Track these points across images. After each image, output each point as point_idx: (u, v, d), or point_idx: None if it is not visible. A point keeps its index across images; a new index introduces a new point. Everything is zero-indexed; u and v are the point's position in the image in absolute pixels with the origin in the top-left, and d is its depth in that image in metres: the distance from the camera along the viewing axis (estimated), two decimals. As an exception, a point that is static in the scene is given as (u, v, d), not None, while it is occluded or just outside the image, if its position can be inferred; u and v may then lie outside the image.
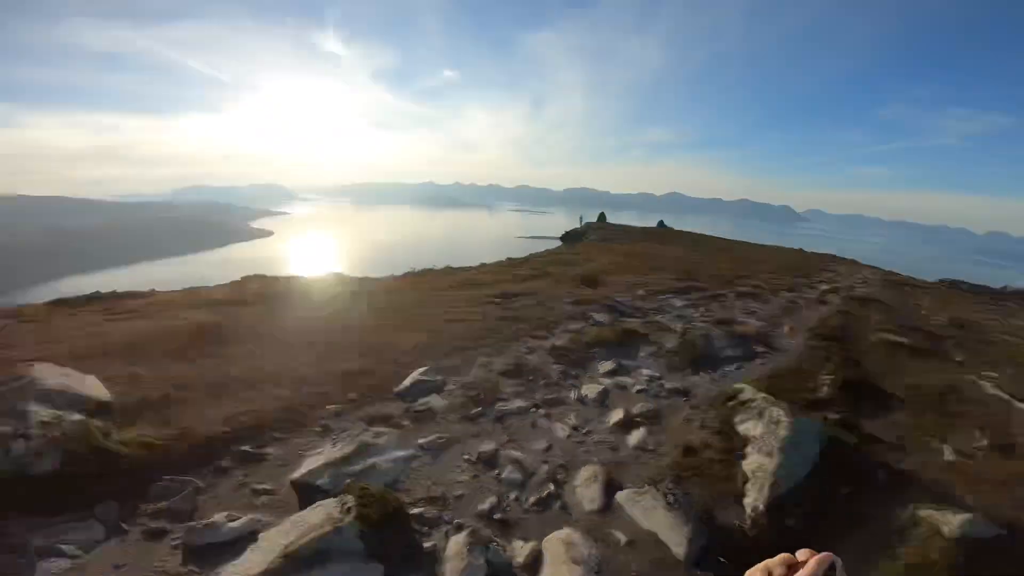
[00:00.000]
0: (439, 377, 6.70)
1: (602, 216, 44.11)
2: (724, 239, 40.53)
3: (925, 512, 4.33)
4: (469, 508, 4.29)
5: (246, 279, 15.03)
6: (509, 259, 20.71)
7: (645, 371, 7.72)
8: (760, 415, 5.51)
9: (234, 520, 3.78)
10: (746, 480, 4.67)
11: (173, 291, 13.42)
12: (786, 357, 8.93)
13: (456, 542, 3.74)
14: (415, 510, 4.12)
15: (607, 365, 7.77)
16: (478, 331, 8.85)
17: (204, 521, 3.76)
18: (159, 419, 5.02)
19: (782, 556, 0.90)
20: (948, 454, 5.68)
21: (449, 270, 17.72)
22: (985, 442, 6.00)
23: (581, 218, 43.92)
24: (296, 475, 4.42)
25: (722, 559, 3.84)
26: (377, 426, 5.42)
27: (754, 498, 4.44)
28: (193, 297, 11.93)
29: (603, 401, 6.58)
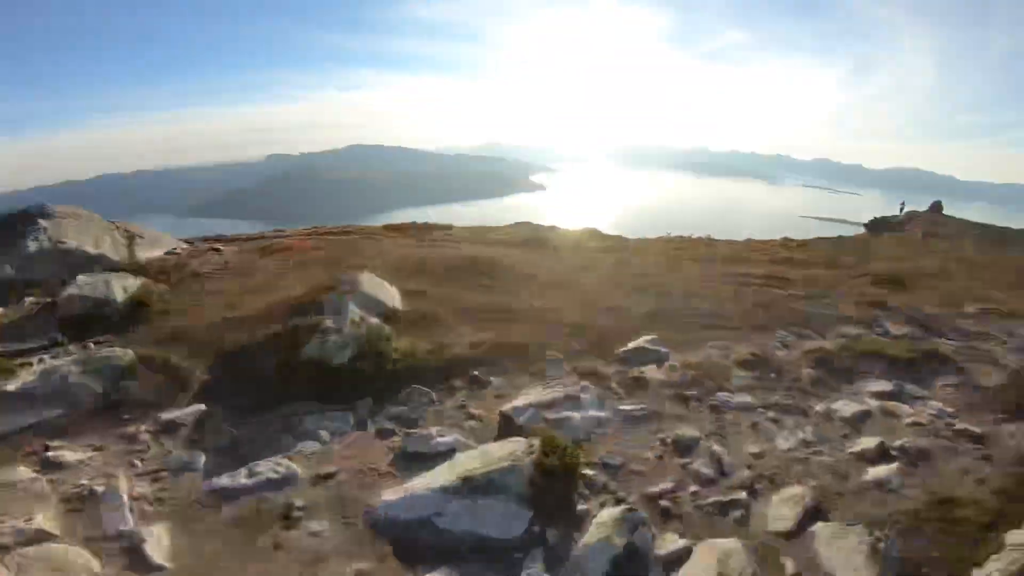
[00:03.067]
0: (664, 349, 6.60)
1: (937, 205, 33.50)
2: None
3: None
4: (640, 486, 4.24)
5: (519, 225, 17.35)
6: (785, 238, 18.00)
7: (935, 403, 5.98)
8: None
9: (443, 436, 4.59)
10: (999, 550, 3.47)
11: (466, 227, 16.55)
12: None
13: (608, 513, 3.72)
14: (588, 471, 4.25)
15: (881, 384, 6.32)
16: (724, 311, 8.26)
17: (422, 432, 4.63)
18: (427, 332, 6.35)
19: None
20: None
21: (709, 240, 16.57)
22: None
23: (902, 204, 34.24)
24: (504, 408, 5.04)
25: None
26: (587, 381, 5.69)
27: (989, 570, 3.34)
28: (478, 234, 14.54)
29: (857, 423, 5.46)
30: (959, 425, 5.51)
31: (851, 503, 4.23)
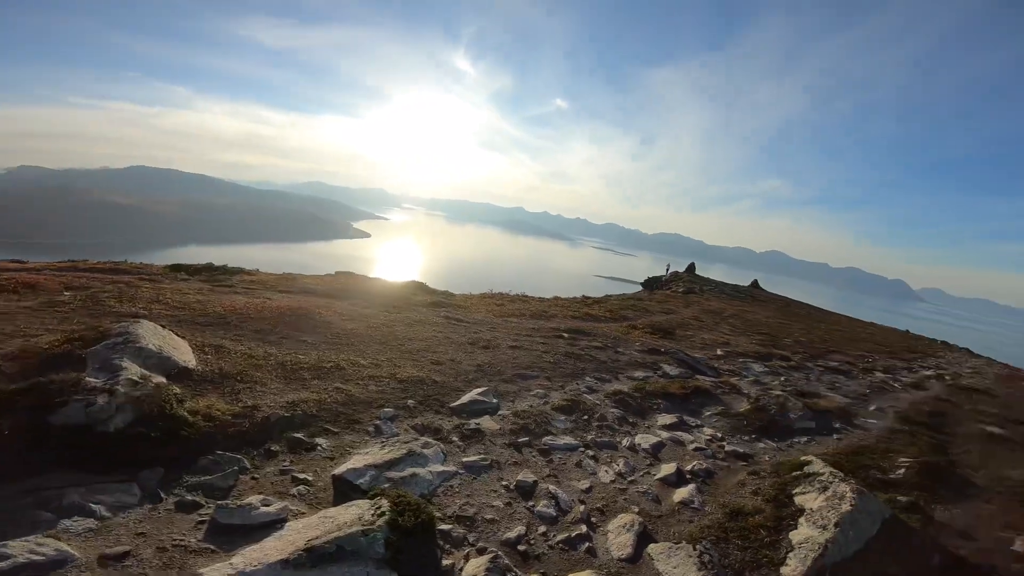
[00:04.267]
0: (495, 400, 6.87)
1: (692, 267, 42.48)
2: (822, 309, 37.36)
3: None
4: (496, 534, 4.32)
5: (339, 274, 16.35)
6: (585, 296, 20.61)
7: (707, 430, 7.40)
8: (824, 489, 5.18)
9: (267, 505, 3.84)
10: (790, 549, 4.41)
11: (273, 273, 14.85)
12: (865, 436, 8.18)
13: (475, 564, 3.77)
14: (444, 526, 4.20)
15: (668, 418, 7.53)
16: (541, 362, 8.96)
17: (238, 501, 3.87)
18: (230, 393, 5.43)
19: None
20: (1019, 545, 5.13)
21: (523, 298, 18.03)
22: None
23: (668, 266, 42.54)
24: (338, 471, 4.55)
25: None
26: (427, 436, 5.63)
27: (793, 568, 4.21)
28: (289, 282, 13.12)
29: (656, 453, 6.39)
30: (728, 447, 6.88)
31: (669, 523, 4.89)
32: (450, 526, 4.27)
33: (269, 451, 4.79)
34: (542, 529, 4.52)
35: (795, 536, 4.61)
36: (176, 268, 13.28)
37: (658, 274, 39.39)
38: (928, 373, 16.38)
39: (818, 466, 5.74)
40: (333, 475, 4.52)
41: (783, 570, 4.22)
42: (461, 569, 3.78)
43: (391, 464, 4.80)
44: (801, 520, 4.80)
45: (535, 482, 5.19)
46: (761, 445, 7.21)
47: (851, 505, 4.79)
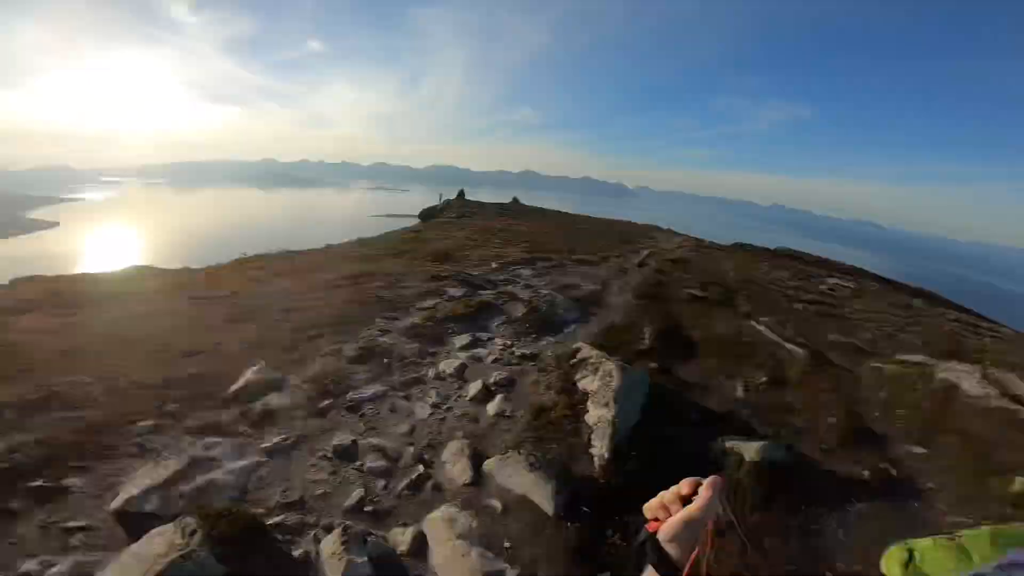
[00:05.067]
0: (277, 374, 6.12)
1: (461, 193, 44.05)
2: (568, 213, 43.71)
3: (731, 443, 5.16)
4: (335, 506, 4.07)
5: (18, 282, 11.98)
6: (360, 239, 19.62)
7: (498, 340, 8.03)
8: (596, 370, 6.09)
9: (52, 566, 3.18)
10: (591, 432, 5.12)
11: None
12: (615, 315, 10.04)
13: (330, 543, 3.48)
14: (273, 519, 3.76)
15: (463, 339, 7.90)
16: (322, 318, 8.28)
17: (14, 573, 3.12)
18: None
19: (674, 490, 0.93)
20: (739, 391, 6.88)
21: (288, 254, 16.19)
22: (764, 378, 7.33)
23: (441, 195, 43.34)
24: (116, 505, 3.78)
25: (586, 508, 4.16)
26: (208, 436, 4.78)
27: (599, 447, 4.89)
28: None
29: (461, 375, 6.69)
30: (518, 351, 7.59)
31: (492, 436, 5.22)
32: (280, 517, 3.82)
33: (8, 510, 3.67)
34: (381, 483, 4.40)
35: (589, 418, 5.36)
36: None
37: (433, 204, 39.93)
38: (647, 252, 20.88)
39: (587, 351, 6.74)
40: (114, 511, 3.72)
41: (592, 451, 4.89)
42: (318, 553, 3.47)
43: (178, 479, 4.06)
44: (589, 403, 5.60)
45: (354, 441, 4.94)
46: (543, 342, 8.20)
47: (619, 381, 5.72)
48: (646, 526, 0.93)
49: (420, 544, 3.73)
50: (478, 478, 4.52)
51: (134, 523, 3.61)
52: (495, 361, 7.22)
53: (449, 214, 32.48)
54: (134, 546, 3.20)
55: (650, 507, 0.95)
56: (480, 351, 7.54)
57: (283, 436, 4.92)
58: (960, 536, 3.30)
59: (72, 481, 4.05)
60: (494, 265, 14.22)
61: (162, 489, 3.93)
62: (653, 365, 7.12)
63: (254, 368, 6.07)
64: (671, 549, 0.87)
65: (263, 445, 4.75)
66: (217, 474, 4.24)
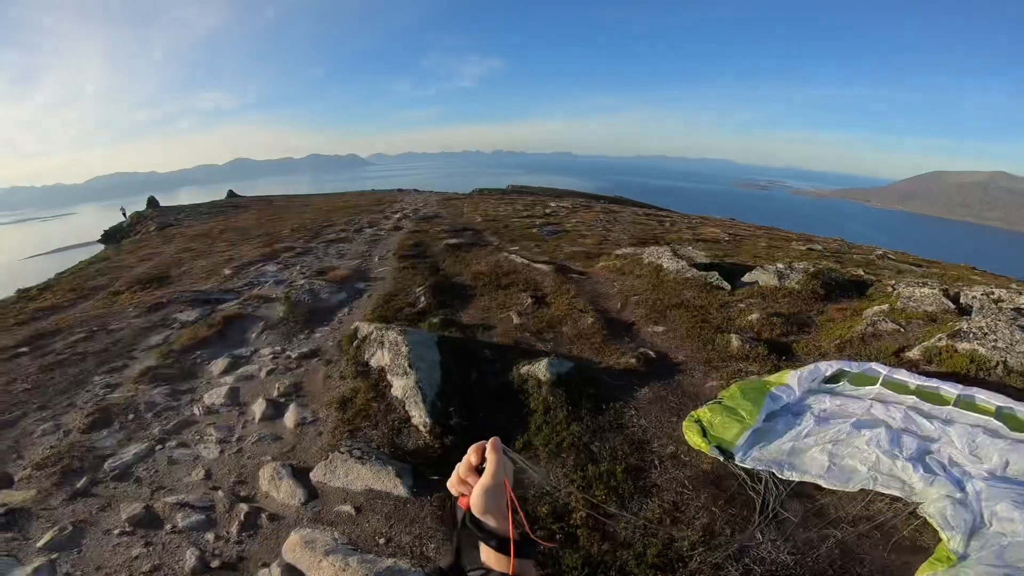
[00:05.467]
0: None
1: (152, 201, 35.86)
2: (301, 195, 40.30)
3: (524, 368, 5.57)
4: (177, 575, 3.36)
5: None
6: (20, 291, 14.23)
7: (266, 350, 7.12)
8: (381, 344, 5.98)
9: None
10: (403, 404, 5.05)
11: None
12: (384, 284, 9.97)
13: None
14: None
15: (220, 363, 6.74)
16: (12, 397, 5.99)
17: None
18: None
19: (465, 461, 0.90)
20: (515, 318, 7.57)
21: None
22: (529, 300, 8.20)
23: (123, 210, 34.19)
24: None
25: (434, 476, 4.15)
26: None
27: (417, 415, 4.86)
28: None
29: (236, 400, 5.79)
30: (294, 353, 6.93)
31: (306, 447, 4.82)
32: None
33: None
34: (211, 537, 3.72)
35: (395, 392, 5.22)
36: None
37: (118, 222, 31.42)
38: (398, 215, 20.98)
39: (366, 328, 6.52)
40: None
41: (413, 421, 4.80)
42: None
43: None
44: (388, 377, 5.45)
45: (147, 506, 4.03)
46: (318, 335, 7.60)
47: (408, 346, 5.70)
48: (458, 503, 0.92)
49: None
50: (312, 492, 4.17)
51: None
52: (271, 372, 6.45)
53: (144, 228, 26.22)
54: None
55: (452, 484, 0.94)
56: (248, 368, 6.61)
57: (56, 529, 3.78)
58: (721, 400, 4.68)
59: None
60: (227, 271, 12.28)
61: None
62: (435, 320, 7.34)
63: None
64: (489, 521, 0.85)
65: (38, 544, 3.64)
66: None
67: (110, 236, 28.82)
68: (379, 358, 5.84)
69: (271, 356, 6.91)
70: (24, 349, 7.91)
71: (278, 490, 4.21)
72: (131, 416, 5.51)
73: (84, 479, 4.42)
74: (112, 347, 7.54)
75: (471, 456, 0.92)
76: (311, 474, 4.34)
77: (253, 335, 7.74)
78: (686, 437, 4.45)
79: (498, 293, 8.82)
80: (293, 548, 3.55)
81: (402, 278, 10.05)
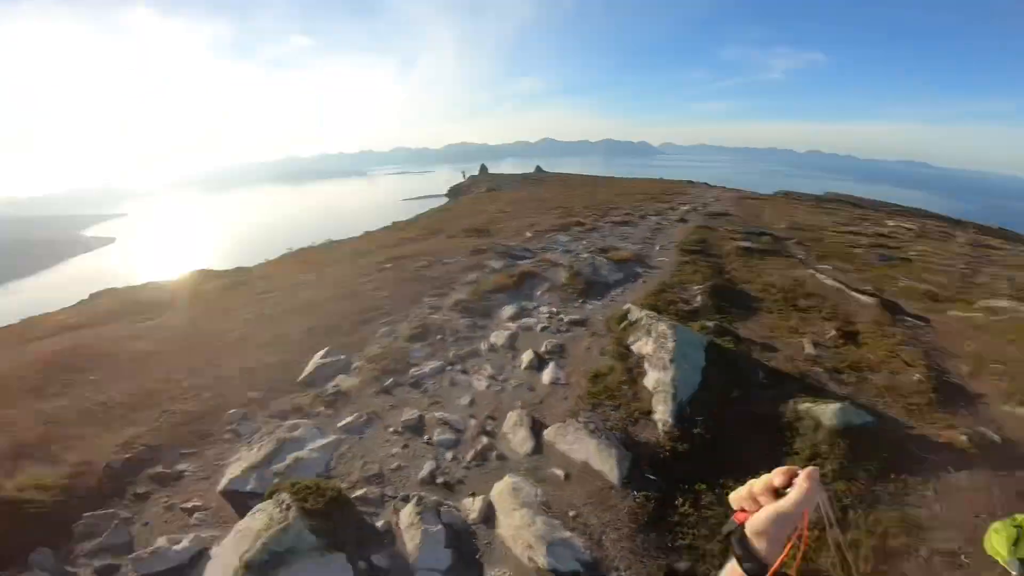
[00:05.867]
0: (342, 356, 6.42)
1: (483, 168, 44.01)
2: (594, 176, 42.81)
3: (804, 405, 4.75)
4: (410, 478, 4.30)
5: (95, 296, 12.99)
6: (395, 223, 19.95)
7: (544, 308, 8.07)
8: (648, 332, 5.96)
9: (177, 542, 3.60)
10: (651, 396, 4.97)
11: (9, 325, 11.04)
12: (661, 273, 9.87)
13: (407, 514, 3.73)
14: (356, 492, 4.03)
15: (510, 310, 8.00)
16: (375, 300, 8.55)
17: (149, 549, 3.54)
18: (46, 459, 4.45)
19: (766, 479, 0.86)
20: (808, 347, 6.41)
21: (332, 244, 16.65)
22: (833, 331, 6.86)
23: (464, 172, 43.38)
24: (222, 486, 4.16)
25: (651, 476, 4.05)
26: (291, 419, 5.13)
27: (662, 412, 4.73)
28: (37, 326, 10.15)
29: (513, 345, 6.78)
30: (566, 317, 7.60)
31: (550, 404, 5.28)
32: (363, 490, 4.10)
33: (137, 495, 4.18)
34: (449, 456, 4.59)
35: (647, 382, 5.22)
36: None
37: (459, 182, 40.04)
38: (686, 208, 20.30)
39: (637, 312, 6.56)
40: (220, 492, 4.15)
41: (655, 416, 4.71)
42: (398, 523, 3.73)
43: (270, 459, 4.40)
44: (645, 366, 5.46)
45: (420, 416, 5.15)
46: (589, 307, 8.18)
47: (675, 341, 5.52)
48: (733, 516, 0.88)
49: (489, 513, 3.87)
50: (539, 447, 4.58)
51: (240, 502, 3.97)
52: (544, 329, 7.26)
53: (476, 189, 32.47)
54: (241, 523, 3.54)
55: (738, 496, 0.88)
56: (528, 320, 7.60)
57: (356, 414, 5.19)
58: None
59: (184, 466, 4.51)
60: (529, 234, 14.22)
61: (257, 469, 4.27)
62: (709, 324, 6.86)
63: (320, 353, 6.39)
64: (759, 544, 0.81)
65: (340, 423, 5.04)
66: (303, 452, 4.54)
67: (453, 192, 36.91)
68: (642, 345, 5.86)
69: (547, 315, 7.78)
70: (388, 266, 11.01)
71: (515, 435, 4.76)
72: (439, 337, 7.03)
73: (391, 380, 5.90)
74: (442, 277, 9.79)
75: (776, 477, 0.85)
76: (545, 431, 4.71)
77: (538, 292, 8.87)
78: (987, 539, 3.08)
79: (791, 314, 7.69)
80: (501, 489, 3.99)
81: (681, 272, 9.76)
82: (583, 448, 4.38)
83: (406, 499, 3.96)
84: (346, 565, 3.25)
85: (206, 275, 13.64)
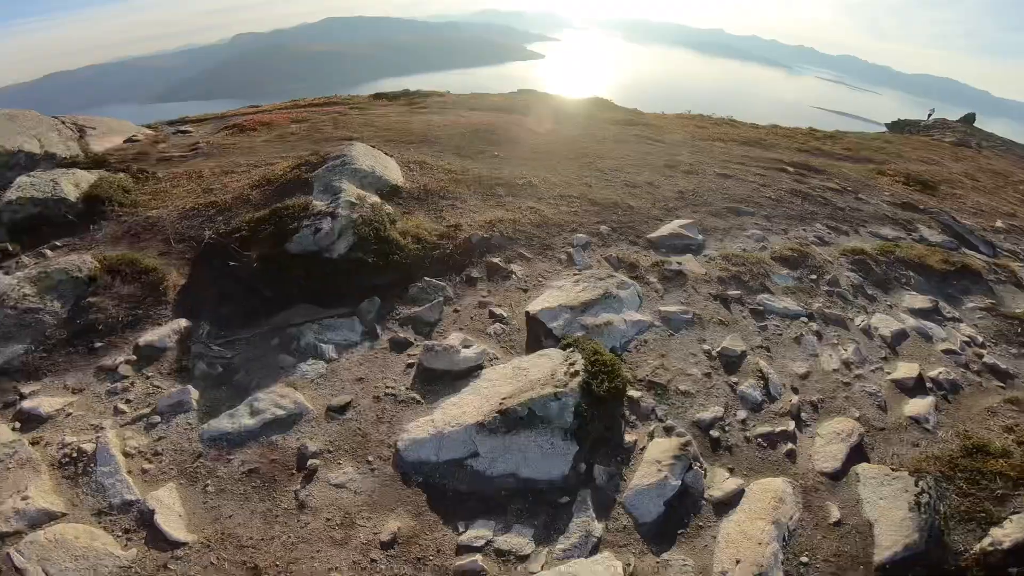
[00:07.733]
0: (699, 236, 5.85)
1: (970, 117, 31.48)
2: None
3: None
4: (688, 411, 3.77)
5: (521, 92, 15.55)
6: (812, 128, 16.66)
7: (966, 328, 5.55)
8: None
9: (467, 347, 3.88)
10: (1018, 512, 3.18)
11: (463, 94, 14.69)
12: None
13: (659, 448, 3.32)
14: (634, 392, 3.74)
15: (918, 300, 5.78)
16: (758, 197, 7.44)
17: (442, 343, 3.90)
18: (434, 211, 5.48)
19: None
20: None
21: (731, 122, 15.10)
22: None
23: (931, 111, 32.01)
24: (532, 308, 4.32)
25: None
26: (622, 273, 4.99)
27: (1008, 531, 3.05)
28: (478, 100, 12.93)
29: (895, 345, 4.99)
30: (988, 358, 5.09)
31: (891, 440, 3.89)
32: (639, 393, 3.80)
33: (469, 278, 4.77)
34: (742, 415, 3.84)
35: None
36: (378, 96, 13.95)
37: (913, 118, 30.10)
38: None
39: None
40: (527, 312, 4.32)
41: (994, 530, 3.09)
42: (643, 448, 3.38)
43: (585, 307, 4.36)
44: None
45: (743, 353, 4.36)
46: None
47: None
48: None
49: (731, 503, 3.16)
50: (841, 474, 3.48)
51: (537, 332, 4.11)
52: (948, 352, 5.03)
53: (940, 136, 23.71)
54: (525, 359, 3.59)
55: None
56: (934, 328, 5.37)
57: (682, 307, 4.71)
58: None
59: (515, 268, 4.94)
60: (1000, 224, 9.69)
61: (571, 312, 4.26)
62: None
63: (680, 222, 5.95)
64: None
65: (661, 308, 4.67)
66: (616, 318, 4.36)
67: (897, 125, 28.24)
68: None
69: (963, 340, 5.31)
70: (790, 169, 9.27)
71: (826, 443, 3.73)
72: (812, 277, 5.67)
73: (736, 291, 5.12)
74: (849, 211, 7.80)
75: None
76: (862, 464, 3.59)
77: (970, 304, 6.11)
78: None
79: None
80: (762, 486, 3.27)
81: None
82: (886, 512, 3.18)
83: (669, 431, 3.50)
84: (571, 461, 3.15)
85: (603, 103, 14.46)
